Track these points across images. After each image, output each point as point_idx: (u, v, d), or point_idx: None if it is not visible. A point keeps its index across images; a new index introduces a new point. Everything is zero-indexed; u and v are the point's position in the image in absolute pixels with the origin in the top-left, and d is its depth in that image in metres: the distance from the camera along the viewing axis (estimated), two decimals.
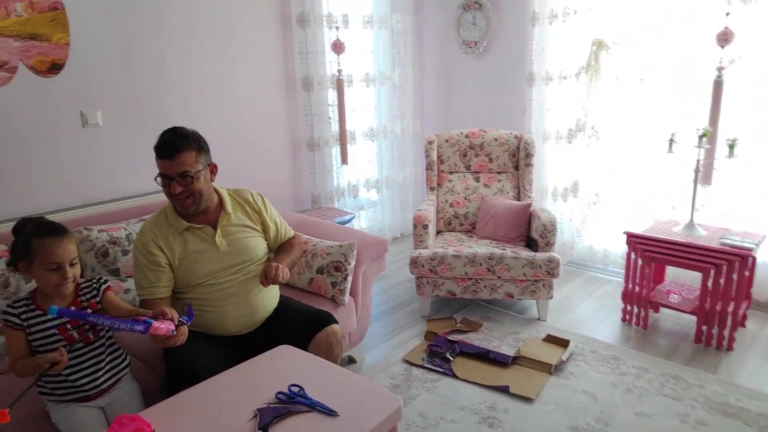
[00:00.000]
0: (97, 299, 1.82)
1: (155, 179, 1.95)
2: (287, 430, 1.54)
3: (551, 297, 3.19)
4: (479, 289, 3.21)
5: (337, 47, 3.68)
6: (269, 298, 2.16)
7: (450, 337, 2.98)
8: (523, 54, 3.92)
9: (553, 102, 3.84)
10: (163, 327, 1.64)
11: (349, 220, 3.59)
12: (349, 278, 2.57)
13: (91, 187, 2.80)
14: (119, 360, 1.90)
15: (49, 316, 1.73)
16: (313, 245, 2.67)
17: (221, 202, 2.11)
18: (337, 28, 3.69)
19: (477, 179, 3.78)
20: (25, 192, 2.61)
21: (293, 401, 1.65)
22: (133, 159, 2.91)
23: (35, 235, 1.69)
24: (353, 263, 2.58)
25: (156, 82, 3.01)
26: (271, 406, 1.62)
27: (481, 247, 3.27)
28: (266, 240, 2.20)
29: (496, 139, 3.75)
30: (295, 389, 1.70)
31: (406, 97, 4.41)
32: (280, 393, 1.67)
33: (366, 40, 4.10)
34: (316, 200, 3.84)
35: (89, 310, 1.79)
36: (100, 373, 1.82)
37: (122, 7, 2.82)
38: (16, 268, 1.73)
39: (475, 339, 3.02)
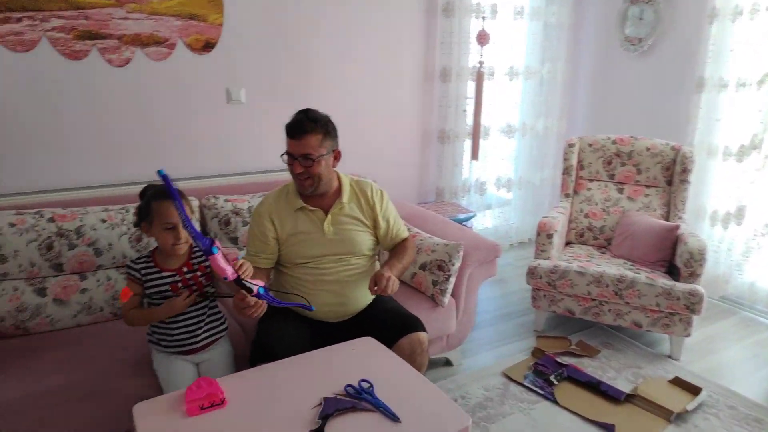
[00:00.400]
0: (207, 262, 1.93)
1: (281, 156, 2.01)
2: (345, 426, 1.50)
3: (689, 334, 2.78)
4: (602, 312, 2.91)
5: (482, 38, 3.54)
6: (364, 293, 2.13)
7: (559, 359, 2.74)
8: (694, 55, 3.44)
9: (725, 112, 3.32)
10: (223, 267, 1.55)
11: (468, 219, 3.45)
12: (452, 279, 2.46)
13: (225, 159, 3.00)
14: (218, 323, 2.01)
15: (165, 275, 1.88)
16: (421, 240, 2.60)
17: (340, 189, 2.12)
18: (483, 18, 3.54)
19: (620, 191, 3.41)
20: (168, 157, 2.87)
21: (360, 397, 1.61)
22: (267, 136, 3.06)
23: (155, 198, 1.85)
24: (458, 264, 2.46)
25: (298, 64, 3.13)
26: (338, 397, 1.60)
27: (612, 267, 2.95)
28: (376, 236, 2.17)
29: (648, 149, 3.35)
30: (366, 385, 1.66)
31: (554, 94, 4.12)
32: (349, 386, 1.64)
33: (514, 32, 3.88)
34: (440, 194, 3.75)
35: (199, 273, 1.93)
36: (199, 332, 1.94)
37: None
38: (140, 228, 1.91)
39: (588, 366, 2.74)
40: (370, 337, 1.95)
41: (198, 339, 1.95)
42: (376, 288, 1.93)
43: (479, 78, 3.61)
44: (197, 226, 2.51)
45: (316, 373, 1.72)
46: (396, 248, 2.21)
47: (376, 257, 2.25)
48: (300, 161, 1.97)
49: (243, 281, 1.63)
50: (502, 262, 4.07)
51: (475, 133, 3.68)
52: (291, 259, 2.09)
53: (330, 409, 1.55)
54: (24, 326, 2.10)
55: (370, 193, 2.16)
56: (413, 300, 2.45)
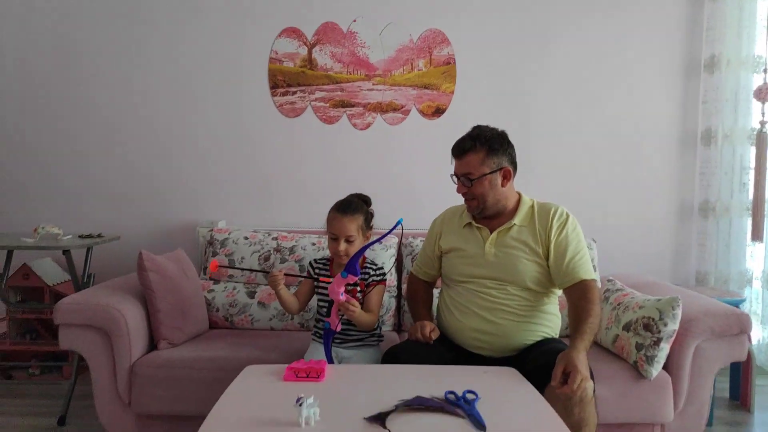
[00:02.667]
0: (368, 280, 1.98)
1: (451, 177, 1.99)
2: (416, 420, 1.28)
3: None
4: None
5: (763, 93, 2.91)
6: (522, 332, 1.83)
7: None
8: None
9: None
10: (337, 290, 1.75)
11: (735, 304, 2.60)
12: (663, 345, 1.90)
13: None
14: (367, 334, 1.99)
15: (330, 280, 1.99)
16: (631, 298, 2.11)
17: (516, 210, 1.93)
18: (765, 71, 2.93)
19: None
20: (393, 211, 3.03)
21: (456, 403, 1.35)
22: None
23: (333, 209, 2.01)
24: (672, 326, 1.90)
25: (528, 129, 3.08)
26: (434, 398, 1.37)
27: None
28: (547, 267, 1.86)
29: None
30: (471, 396, 1.39)
31: None
32: (450, 392, 1.40)
33: None
34: (703, 281, 2.99)
35: (358, 288, 1.97)
36: (347, 336, 1.97)
37: (505, 57, 3.07)
38: None
39: None
40: (512, 368, 1.64)
41: (343, 341, 1.96)
42: (564, 384, 1.51)
43: (760, 141, 2.92)
44: (392, 260, 2.58)
45: (428, 382, 1.52)
46: (577, 305, 1.75)
47: (551, 296, 1.91)
48: (462, 181, 1.91)
49: (341, 308, 1.78)
50: None
51: (756, 208, 2.91)
52: (449, 275, 1.98)
53: (413, 403, 1.34)
54: (231, 319, 2.46)
55: (551, 215, 1.88)
56: (609, 366, 1.97)
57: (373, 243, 1.88)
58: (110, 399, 1.99)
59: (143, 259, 2.08)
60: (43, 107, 3.12)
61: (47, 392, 2.74)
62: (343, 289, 1.78)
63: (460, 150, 1.92)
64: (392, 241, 2.64)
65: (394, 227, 1.79)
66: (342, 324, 1.90)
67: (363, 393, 1.43)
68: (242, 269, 2.12)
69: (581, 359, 1.56)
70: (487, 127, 1.95)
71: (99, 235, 2.73)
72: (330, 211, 1.99)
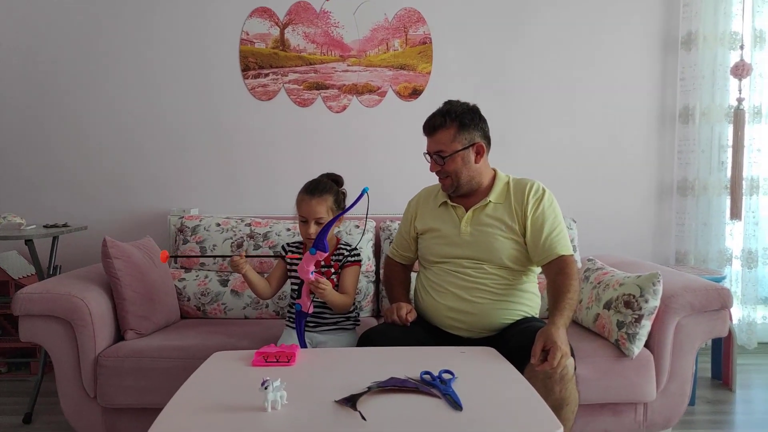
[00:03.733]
0: (340, 264, 1.91)
1: (424, 155, 1.92)
2: (389, 402, 1.22)
3: None
4: None
5: (740, 70, 2.89)
6: (502, 311, 1.78)
7: None
8: None
9: None
10: (307, 268, 1.68)
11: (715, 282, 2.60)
12: (645, 323, 1.86)
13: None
14: (343, 317, 1.93)
15: (299, 257, 1.92)
16: (611, 276, 2.08)
17: (492, 187, 1.88)
18: (741, 47, 2.92)
19: None
20: (372, 194, 3.00)
21: (431, 383, 1.29)
22: None
23: (302, 191, 1.92)
24: (653, 302, 1.86)
25: (508, 108, 3.03)
26: (409, 379, 1.32)
27: None
28: (524, 244, 1.81)
29: None
30: (447, 376, 1.33)
31: None
32: (426, 372, 1.35)
33: None
34: (683, 260, 2.98)
35: (332, 270, 1.91)
36: (321, 320, 1.91)
37: (482, 36, 3.02)
38: None
39: None
40: (490, 348, 1.59)
41: (318, 326, 1.90)
42: (544, 361, 1.48)
43: (737, 118, 2.90)
44: (369, 245, 2.52)
45: (404, 363, 1.46)
46: (555, 281, 1.71)
47: (530, 274, 1.86)
48: (435, 159, 1.84)
49: (311, 287, 1.72)
50: None
51: (734, 187, 2.90)
52: (426, 256, 1.92)
53: (386, 384, 1.28)
54: (203, 309, 2.38)
55: (526, 191, 1.82)
56: (591, 346, 1.94)
57: (339, 216, 1.80)
58: (75, 393, 1.90)
59: (107, 246, 1.98)
60: (4, 96, 2.99)
61: (14, 390, 2.63)
62: (312, 267, 1.71)
63: (430, 127, 1.86)
64: (370, 224, 2.57)
65: (360, 197, 1.69)
66: (316, 307, 1.84)
67: (335, 376, 1.37)
68: (196, 256, 2.00)
69: (561, 335, 1.51)
70: (457, 101, 1.88)
71: (65, 225, 2.62)
72: (299, 193, 1.91)
